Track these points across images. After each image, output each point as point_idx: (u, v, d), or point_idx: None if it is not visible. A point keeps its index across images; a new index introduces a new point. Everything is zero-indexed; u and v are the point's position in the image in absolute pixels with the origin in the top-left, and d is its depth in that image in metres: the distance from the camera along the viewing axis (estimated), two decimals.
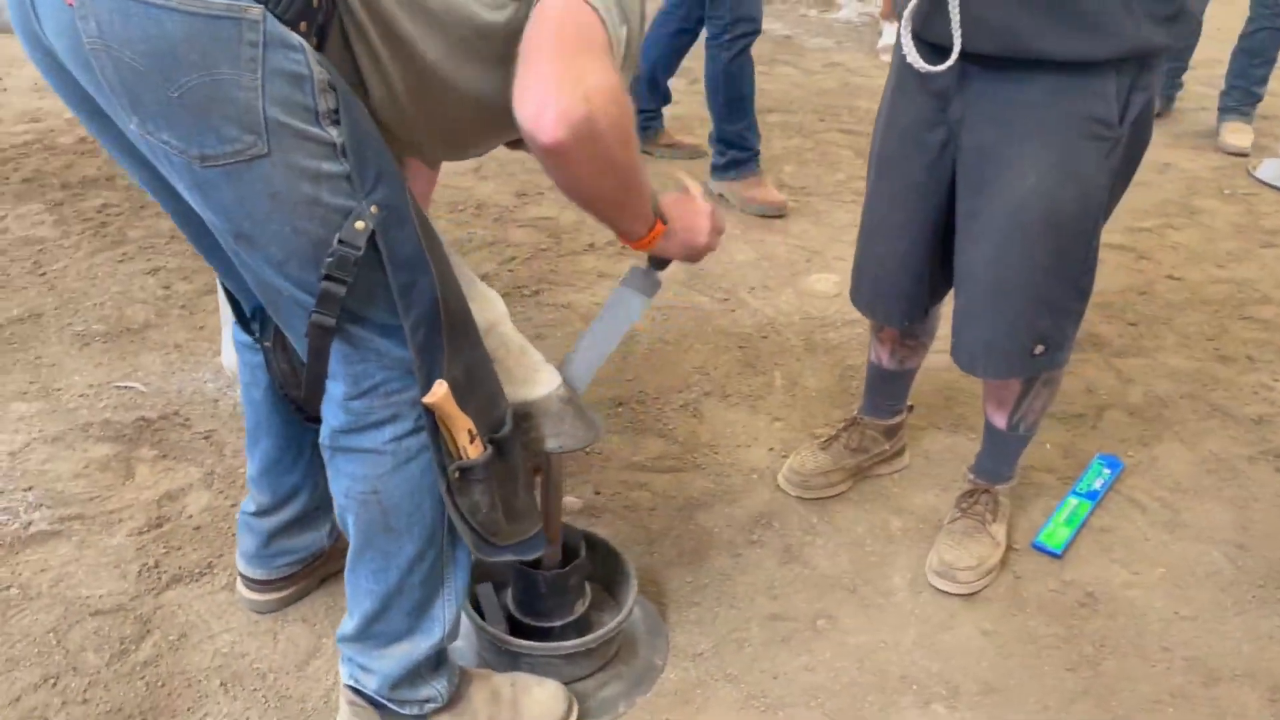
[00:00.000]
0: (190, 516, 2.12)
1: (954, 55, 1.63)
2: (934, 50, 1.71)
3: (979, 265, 1.80)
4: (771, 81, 5.29)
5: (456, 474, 1.37)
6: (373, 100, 1.27)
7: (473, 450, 1.38)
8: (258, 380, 1.67)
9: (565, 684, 1.72)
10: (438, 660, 1.58)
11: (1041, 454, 2.44)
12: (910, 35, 1.68)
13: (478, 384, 1.40)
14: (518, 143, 1.66)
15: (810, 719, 1.74)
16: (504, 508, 1.47)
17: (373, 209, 1.21)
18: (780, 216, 3.68)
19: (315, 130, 1.17)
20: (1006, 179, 1.71)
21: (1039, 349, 1.83)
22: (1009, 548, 2.13)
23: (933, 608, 1.99)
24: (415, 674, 1.55)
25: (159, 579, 1.97)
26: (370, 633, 1.51)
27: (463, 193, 3.72)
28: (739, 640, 1.89)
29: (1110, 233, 1.86)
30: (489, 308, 1.58)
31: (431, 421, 1.33)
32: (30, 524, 2.10)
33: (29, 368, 2.63)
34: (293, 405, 1.66)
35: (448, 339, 1.32)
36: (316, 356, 1.31)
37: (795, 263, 3.37)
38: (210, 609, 1.91)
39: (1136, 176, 1.82)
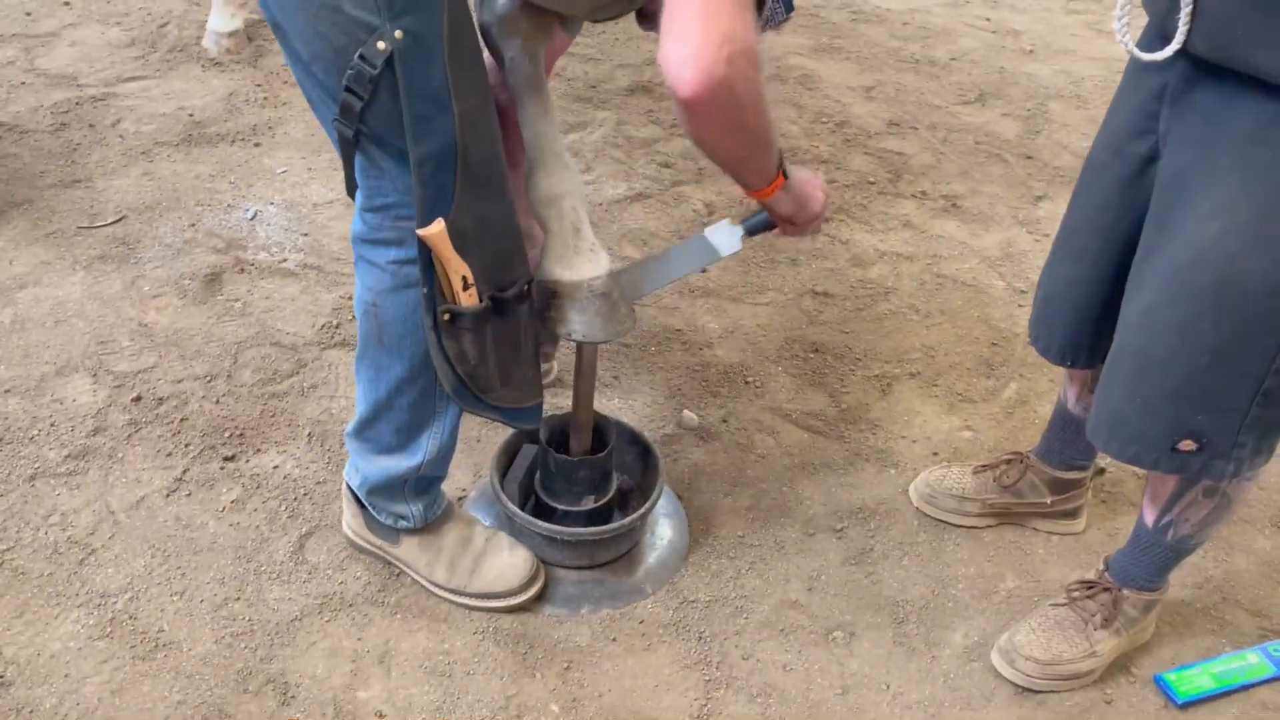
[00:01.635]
0: None
1: (1175, 42, 1.28)
2: (1163, 41, 1.36)
3: (1132, 317, 1.44)
4: None
5: (446, 315, 1.43)
6: None
7: (465, 298, 1.42)
8: None
9: (545, 564, 1.77)
10: (422, 486, 1.68)
11: (1265, 590, 1.92)
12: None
13: (490, 239, 1.42)
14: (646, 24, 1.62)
15: (741, 714, 1.62)
16: (499, 368, 1.51)
17: (397, 33, 1.25)
18: None
19: None
20: (1190, 220, 1.33)
21: (1187, 445, 1.44)
22: (1124, 669, 1.75)
23: (972, 683, 1.71)
24: (394, 489, 1.67)
25: (332, 336, 2.29)
26: (364, 436, 1.64)
27: (840, 108, 3.59)
28: (739, 609, 1.78)
29: None
30: (561, 181, 1.58)
31: (425, 256, 1.39)
32: (284, 260, 2.52)
33: None
34: None
35: (462, 184, 1.35)
36: (345, 162, 1.42)
37: None
38: (349, 376, 2.18)
39: None
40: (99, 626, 1.63)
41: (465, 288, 1.39)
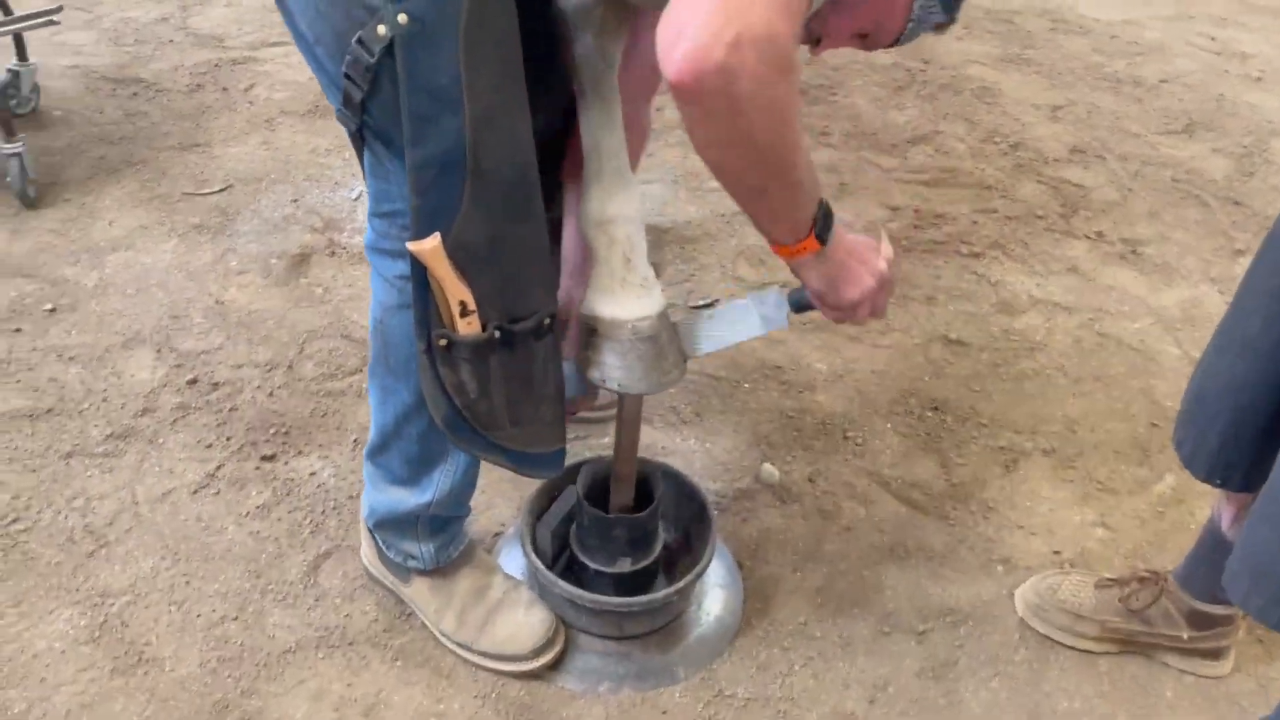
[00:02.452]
0: None
1: None
2: None
3: None
4: None
5: (443, 342, 1.25)
6: None
7: (463, 326, 1.23)
8: None
9: (568, 626, 1.57)
10: (437, 525, 1.51)
11: None
12: None
13: (504, 262, 1.22)
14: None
15: None
16: (507, 406, 1.31)
17: (400, 17, 1.08)
18: None
19: None
20: None
21: None
22: None
23: None
24: (404, 525, 1.50)
25: None
26: (376, 461, 1.48)
27: (1018, 128, 3.21)
28: (782, 713, 1.53)
29: None
30: (617, 202, 1.36)
31: (419, 273, 1.20)
32: None
33: None
34: None
35: (472, 196, 1.16)
36: (357, 157, 1.26)
37: None
38: None
39: None
40: (89, 629, 1.54)
41: (464, 314, 1.19)
